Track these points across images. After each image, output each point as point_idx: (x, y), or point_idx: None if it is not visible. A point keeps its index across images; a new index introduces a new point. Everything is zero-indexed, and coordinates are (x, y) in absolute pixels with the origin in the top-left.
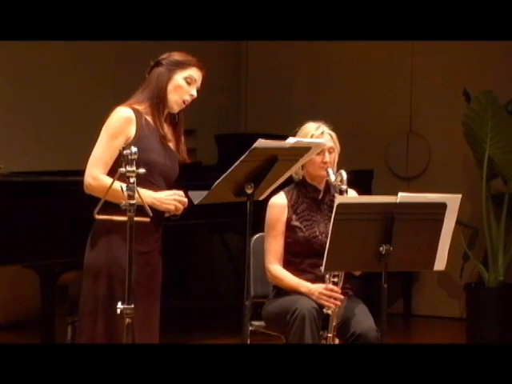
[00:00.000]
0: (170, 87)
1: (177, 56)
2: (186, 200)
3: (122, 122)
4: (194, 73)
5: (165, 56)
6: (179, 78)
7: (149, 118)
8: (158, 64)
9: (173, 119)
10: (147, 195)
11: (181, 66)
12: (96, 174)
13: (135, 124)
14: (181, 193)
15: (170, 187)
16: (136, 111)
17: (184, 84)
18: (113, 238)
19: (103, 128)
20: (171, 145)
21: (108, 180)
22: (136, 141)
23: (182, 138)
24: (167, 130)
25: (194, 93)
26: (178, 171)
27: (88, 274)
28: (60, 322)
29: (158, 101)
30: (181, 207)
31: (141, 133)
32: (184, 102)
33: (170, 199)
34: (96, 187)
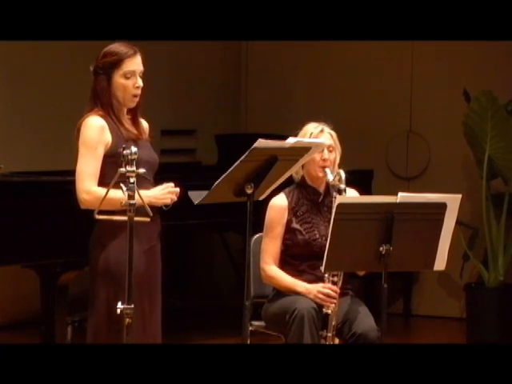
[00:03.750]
0: (114, 90)
1: (107, 57)
2: (178, 190)
3: (96, 132)
4: (129, 65)
5: (98, 62)
6: (117, 78)
7: None
8: (95, 72)
9: (130, 112)
10: (144, 195)
11: (114, 65)
12: (88, 188)
13: (109, 130)
14: (171, 184)
15: (155, 177)
16: (104, 117)
17: (124, 81)
18: (113, 238)
19: (80, 143)
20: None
21: (102, 190)
22: (115, 145)
23: (140, 120)
24: (128, 124)
25: (139, 82)
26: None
27: (92, 276)
28: (60, 322)
29: (108, 108)
30: (175, 198)
31: (116, 137)
32: (136, 96)
33: (165, 193)
34: (92, 201)
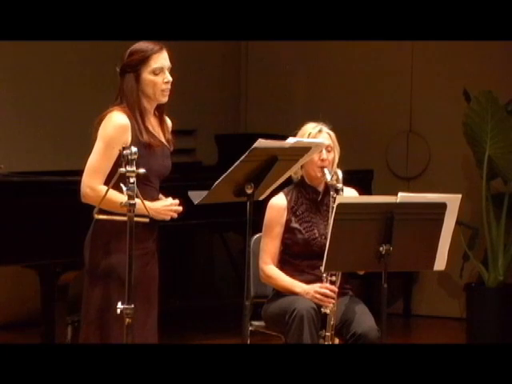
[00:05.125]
0: (143, 88)
1: (133, 55)
2: (181, 209)
3: (117, 131)
4: (157, 61)
5: (124, 62)
6: (146, 75)
7: None
8: (123, 71)
9: (157, 109)
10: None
11: (142, 62)
12: (94, 185)
13: (130, 130)
14: (176, 201)
15: (167, 180)
16: (129, 116)
17: (154, 78)
18: (110, 240)
19: (99, 136)
20: (161, 137)
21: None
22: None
23: (165, 119)
24: (154, 122)
25: (169, 77)
26: (171, 166)
27: (87, 277)
28: (60, 322)
29: (135, 107)
30: (175, 216)
31: (136, 140)
32: (166, 91)
33: (167, 209)
34: (93, 198)
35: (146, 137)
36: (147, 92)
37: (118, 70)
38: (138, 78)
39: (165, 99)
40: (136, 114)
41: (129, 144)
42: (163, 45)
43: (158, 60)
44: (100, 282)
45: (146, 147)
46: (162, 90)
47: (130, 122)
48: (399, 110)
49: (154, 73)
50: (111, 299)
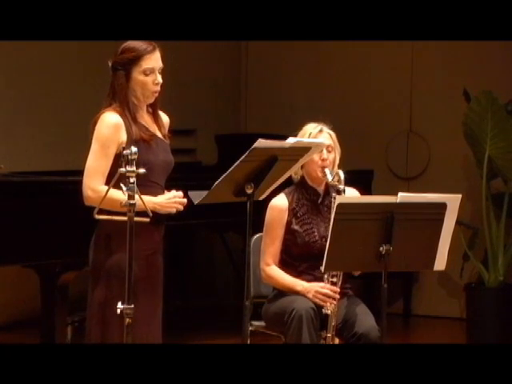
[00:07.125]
0: (132, 87)
1: (125, 53)
2: (185, 200)
3: (111, 130)
4: (149, 62)
5: (116, 58)
6: (136, 74)
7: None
8: (114, 69)
9: (150, 106)
10: (148, 201)
11: (132, 62)
12: (94, 186)
13: (124, 128)
14: (180, 194)
15: (167, 180)
16: (121, 114)
17: (143, 78)
18: (114, 240)
19: (94, 138)
20: (158, 132)
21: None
22: (129, 144)
23: (159, 115)
24: (147, 118)
25: (159, 79)
26: (174, 161)
27: (92, 278)
28: (60, 322)
29: (124, 105)
30: (181, 208)
31: (132, 136)
32: (155, 92)
33: (171, 202)
34: (96, 199)
35: (136, 132)
36: (136, 91)
37: (109, 64)
38: (128, 77)
39: (151, 101)
40: (126, 111)
41: (125, 142)
42: (156, 45)
43: (149, 61)
44: (103, 281)
45: (137, 142)
46: (152, 92)
47: (123, 120)
48: (399, 110)
49: (145, 73)
50: (114, 299)
